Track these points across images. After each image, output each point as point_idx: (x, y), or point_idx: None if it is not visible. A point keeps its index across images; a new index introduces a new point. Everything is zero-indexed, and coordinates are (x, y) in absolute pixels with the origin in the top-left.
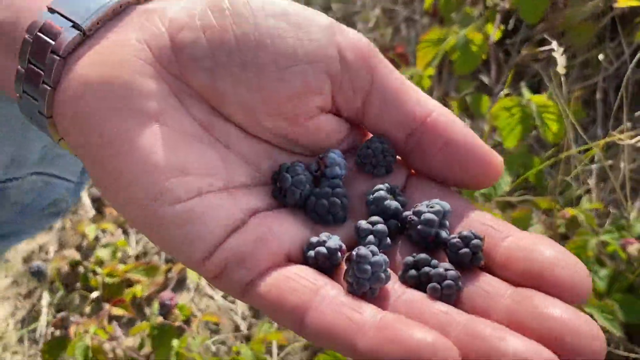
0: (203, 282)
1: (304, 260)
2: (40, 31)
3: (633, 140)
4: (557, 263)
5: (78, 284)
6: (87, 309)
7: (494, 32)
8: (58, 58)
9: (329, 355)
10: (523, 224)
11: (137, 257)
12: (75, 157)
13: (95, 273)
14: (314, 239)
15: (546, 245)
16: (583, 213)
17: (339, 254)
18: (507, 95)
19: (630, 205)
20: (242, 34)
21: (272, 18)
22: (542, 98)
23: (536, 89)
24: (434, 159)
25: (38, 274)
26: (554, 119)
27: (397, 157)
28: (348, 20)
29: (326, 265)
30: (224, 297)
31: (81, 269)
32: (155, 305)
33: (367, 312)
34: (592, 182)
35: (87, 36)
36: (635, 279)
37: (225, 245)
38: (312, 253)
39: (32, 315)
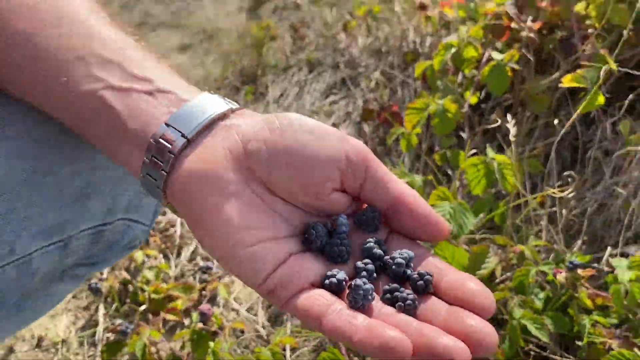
0: (231, 298)
1: (322, 286)
2: (161, 138)
3: (563, 194)
4: (476, 293)
5: (128, 299)
6: (136, 319)
7: (469, 98)
8: (172, 156)
9: (330, 352)
10: (482, 257)
11: (176, 278)
12: (154, 208)
13: (142, 290)
14: (329, 273)
15: (472, 281)
16: (529, 249)
17: (344, 283)
18: (474, 154)
19: (564, 245)
20: (287, 145)
21: (306, 133)
22: (501, 157)
23: (503, 146)
24: (405, 223)
25: (95, 291)
26: (510, 174)
27: (382, 220)
28: (353, 79)
29: (336, 290)
30: (248, 310)
31: (130, 287)
32: (196, 315)
33: (360, 319)
34: (543, 223)
35: (190, 142)
36: (565, 300)
37: (274, 275)
38: (327, 282)
39: (91, 324)
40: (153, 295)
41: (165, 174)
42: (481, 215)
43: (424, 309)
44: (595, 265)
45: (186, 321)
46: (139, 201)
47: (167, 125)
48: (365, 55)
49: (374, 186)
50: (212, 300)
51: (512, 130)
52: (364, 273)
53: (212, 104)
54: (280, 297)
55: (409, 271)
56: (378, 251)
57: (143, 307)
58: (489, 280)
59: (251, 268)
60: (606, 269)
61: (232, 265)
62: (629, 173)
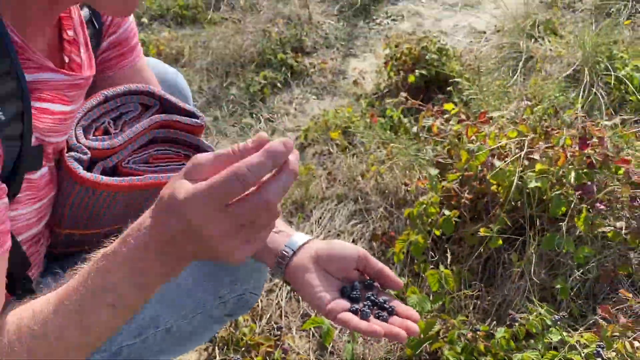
0: (294, 345)
1: (349, 311)
2: (283, 251)
3: (473, 293)
4: (413, 314)
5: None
6: (239, 355)
7: (432, 234)
8: (288, 259)
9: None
10: (432, 324)
11: (259, 333)
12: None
13: (242, 339)
14: (351, 306)
15: (411, 309)
16: (457, 322)
17: (358, 311)
18: (435, 265)
19: (480, 316)
20: (332, 252)
21: (339, 246)
22: (447, 271)
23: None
24: (383, 280)
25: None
26: (451, 280)
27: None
28: (367, 210)
29: (355, 313)
30: (304, 352)
31: (233, 337)
32: (279, 351)
33: (365, 323)
34: (470, 309)
35: (295, 253)
36: (472, 349)
37: (329, 305)
38: (351, 309)
39: (211, 357)
40: (249, 342)
41: (284, 266)
42: (437, 303)
43: (391, 320)
44: (491, 331)
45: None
46: (259, 281)
47: (286, 246)
48: (375, 193)
49: (371, 266)
50: (282, 346)
51: (448, 260)
52: (367, 307)
53: (302, 237)
54: (331, 315)
55: (386, 305)
56: (374, 299)
57: (243, 348)
58: (436, 335)
59: (319, 302)
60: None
61: (310, 300)
62: (517, 282)
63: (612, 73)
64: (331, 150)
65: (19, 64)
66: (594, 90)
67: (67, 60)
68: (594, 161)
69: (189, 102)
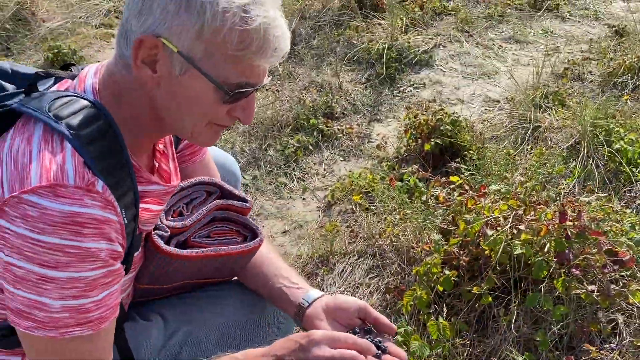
0: None
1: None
2: (300, 304)
3: (466, 342)
4: (400, 354)
5: None
6: None
7: (435, 289)
8: (305, 309)
9: None
10: None
11: None
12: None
13: None
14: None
15: (400, 350)
16: None
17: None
18: (437, 316)
19: None
20: (339, 305)
21: (344, 301)
22: (445, 322)
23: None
24: (380, 328)
25: None
26: (447, 330)
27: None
28: (383, 266)
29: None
30: None
31: None
32: None
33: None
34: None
35: (310, 305)
36: None
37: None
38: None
39: None
40: None
41: (302, 315)
42: (436, 350)
43: (384, 358)
44: None
45: None
46: (288, 327)
47: (303, 299)
48: (390, 250)
49: (369, 315)
50: None
51: (445, 313)
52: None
53: (316, 293)
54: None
55: (380, 345)
56: (372, 340)
57: None
58: None
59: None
60: None
61: None
62: (504, 334)
63: (606, 147)
64: (354, 209)
65: (136, 182)
66: (591, 161)
67: (157, 165)
68: (569, 233)
69: (239, 181)
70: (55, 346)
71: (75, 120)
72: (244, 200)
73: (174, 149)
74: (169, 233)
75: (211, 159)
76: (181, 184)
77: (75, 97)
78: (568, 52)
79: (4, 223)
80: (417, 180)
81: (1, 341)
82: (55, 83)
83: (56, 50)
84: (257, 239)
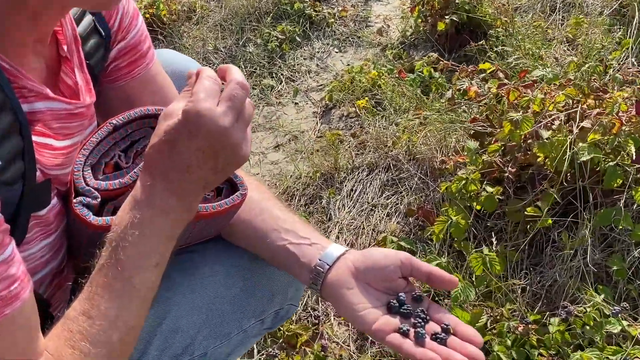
0: (333, 335)
1: (399, 332)
2: (317, 266)
3: (521, 282)
4: (474, 336)
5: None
6: (276, 349)
7: (473, 211)
8: (324, 273)
9: None
10: (478, 316)
11: (296, 321)
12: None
13: (279, 330)
14: (400, 326)
15: (471, 329)
16: (505, 310)
17: (408, 330)
18: (477, 244)
19: (531, 304)
20: (370, 262)
21: (378, 254)
22: (492, 254)
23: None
24: (435, 283)
25: None
26: (496, 263)
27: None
28: (400, 180)
29: (405, 334)
30: (343, 342)
31: None
32: (318, 345)
33: (419, 348)
34: (518, 292)
35: (330, 268)
36: (524, 341)
37: (374, 325)
38: (401, 330)
39: (249, 353)
40: (287, 332)
41: (320, 282)
42: (481, 287)
43: (450, 342)
44: (543, 321)
45: (308, 349)
46: (296, 292)
47: (320, 260)
48: (407, 161)
49: (418, 271)
50: (321, 335)
51: (494, 244)
52: (420, 326)
53: (337, 249)
54: (379, 336)
55: (443, 325)
56: (425, 316)
57: (281, 340)
58: (483, 327)
59: (363, 321)
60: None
61: (353, 321)
62: (568, 263)
63: None
64: (358, 112)
65: (14, 94)
66: None
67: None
68: None
69: None
70: None
71: None
72: None
73: (82, 53)
74: (100, 198)
75: (162, 71)
76: (113, 122)
77: None
78: None
79: None
80: (432, 70)
81: None
82: None
83: None
84: (237, 194)
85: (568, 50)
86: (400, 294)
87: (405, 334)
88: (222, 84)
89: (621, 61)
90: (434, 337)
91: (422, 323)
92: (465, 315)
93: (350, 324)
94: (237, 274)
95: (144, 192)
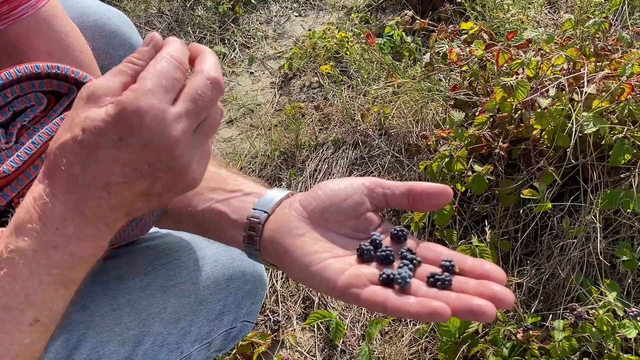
0: (295, 343)
1: (380, 282)
2: (252, 217)
3: (521, 280)
4: (493, 269)
5: None
6: (227, 358)
7: (458, 196)
8: (261, 226)
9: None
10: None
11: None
12: (257, 313)
13: None
14: (381, 272)
15: (486, 262)
16: (500, 313)
17: (392, 276)
18: (464, 233)
19: (527, 302)
20: (326, 194)
21: (334, 183)
22: (482, 244)
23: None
24: (420, 200)
25: None
26: (487, 255)
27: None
28: (370, 159)
29: (389, 282)
30: (307, 352)
31: None
32: (278, 358)
33: (411, 299)
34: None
35: (269, 215)
36: (523, 349)
37: (340, 280)
38: (381, 277)
39: None
40: (241, 342)
41: (258, 239)
42: None
43: (457, 285)
44: (544, 324)
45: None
46: (252, 307)
47: (255, 209)
48: (379, 137)
49: (391, 192)
50: (282, 344)
51: (488, 232)
52: (406, 268)
53: (279, 192)
54: (350, 295)
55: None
56: (412, 256)
57: (234, 350)
58: (474, 334)
59: (323, 278)
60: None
61: (310, 282)
62: (570, 253)
63: None
64: (322, 82)
65: None
66: None
67: None
68: None
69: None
70: None
71: None
72: None
73: None
74: None
75: (65, 17)
76: None
77: None
78: None
79: None
80: (404, 34)
81: None
82: None
83: None
84: None
85: (550, 13)
86: (373, 233)
87: (388, 283)
88: (189, 71)
89: (615, 20)
90: (432, 280)
91: (411, 266)
92: (453, 320)
93: (306, 289)
94: (174, 287)
95: (35, 208)
